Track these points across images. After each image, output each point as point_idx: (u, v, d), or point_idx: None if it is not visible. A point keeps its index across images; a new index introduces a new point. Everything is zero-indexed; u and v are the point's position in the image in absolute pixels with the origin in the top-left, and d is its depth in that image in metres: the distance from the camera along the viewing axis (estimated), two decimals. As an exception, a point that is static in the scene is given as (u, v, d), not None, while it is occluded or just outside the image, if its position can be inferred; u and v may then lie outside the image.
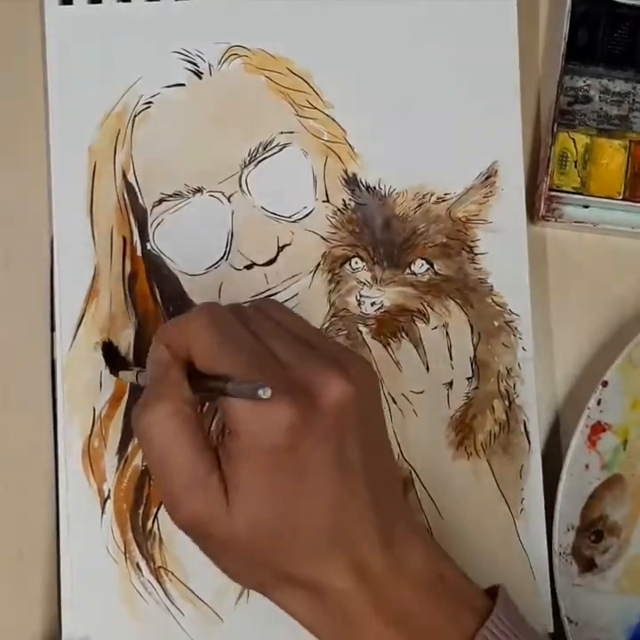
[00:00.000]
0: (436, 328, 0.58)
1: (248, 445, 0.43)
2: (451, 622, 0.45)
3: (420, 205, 0.59)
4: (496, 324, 0.59)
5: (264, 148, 0.59)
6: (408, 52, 0.59)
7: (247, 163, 0.59)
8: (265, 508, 0.43)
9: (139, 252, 0.58)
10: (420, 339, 0.58)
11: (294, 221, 0.59)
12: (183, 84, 0.59)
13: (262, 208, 0.58)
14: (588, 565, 0.57)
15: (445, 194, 0.59)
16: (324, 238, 0.59)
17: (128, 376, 0.54)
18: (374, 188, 0.59)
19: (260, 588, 0.46)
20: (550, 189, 0.59)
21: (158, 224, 0.58)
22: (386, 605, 0.44)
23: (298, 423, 0.42)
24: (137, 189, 0.58)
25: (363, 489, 0.44)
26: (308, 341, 0.46)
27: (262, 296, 0.58)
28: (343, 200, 0.59)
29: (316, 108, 0.59)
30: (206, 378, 0.45)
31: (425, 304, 0.58)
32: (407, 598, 0.45)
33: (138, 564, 0.57)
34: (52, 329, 0.58)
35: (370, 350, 0.58)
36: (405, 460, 0.57)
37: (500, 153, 0.59)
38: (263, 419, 0.43)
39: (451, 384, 0.58)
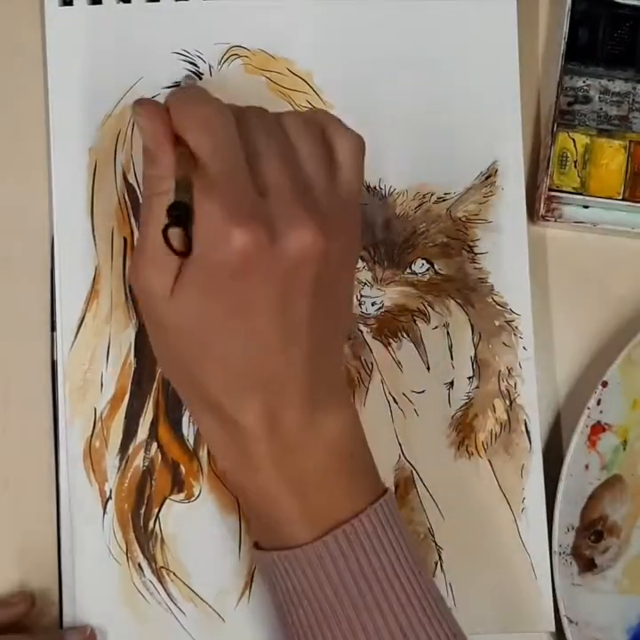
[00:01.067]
0: (436, 328, 0.59)
1: (201, 256, 0.43)
2: (345, 497, 0.46)
3: (420, 205, 0.59)
4: (497, 323, 0.59)
5: (264, 149, 0.59)
6: (408, 53, 0.59)
7: (247, 163, 0.58)
8: (200, 319, 0.44)
9: (139, 253, 0.58)
10: (421, 338, 0.58)
11: (295, 221, 0.59)
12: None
13: (263, 208, 0.58)
14: (588, 565, 0.57)
15: (446, 193, 0.59)
16: (324, 238, 0.58)
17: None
18: (374, 187, 0.59)
19: (181, 394, 0.48)
20: (550, 189, 0.59)
21: (159, 224, 0.58)
22: (286, 458, 0.45)
23: (251, 252, 0.42)
24: (138, 190, 0.58)
25: (298, 346, 0.45)
26: (307, 181, 0.45)
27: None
28: (343, 200, 0.59)
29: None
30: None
31: (425, 304, 0.59)
32: (310, 463, 0.46)
33: (139, 565, 0.57)
34: (53, 329, 0.58)
35: (371, 350, 0.58)
36: (407, 460, 0.58)
37: (500, 153, 0.59)
38: (220, 234, 0.42)
39: (451, 384, 0.58)
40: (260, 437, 0.45)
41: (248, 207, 0.43)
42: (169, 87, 0.58)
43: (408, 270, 0.59)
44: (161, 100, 0.58)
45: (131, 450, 0.57)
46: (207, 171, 0.43)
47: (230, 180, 0.43)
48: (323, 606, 0.45)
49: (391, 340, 0.58)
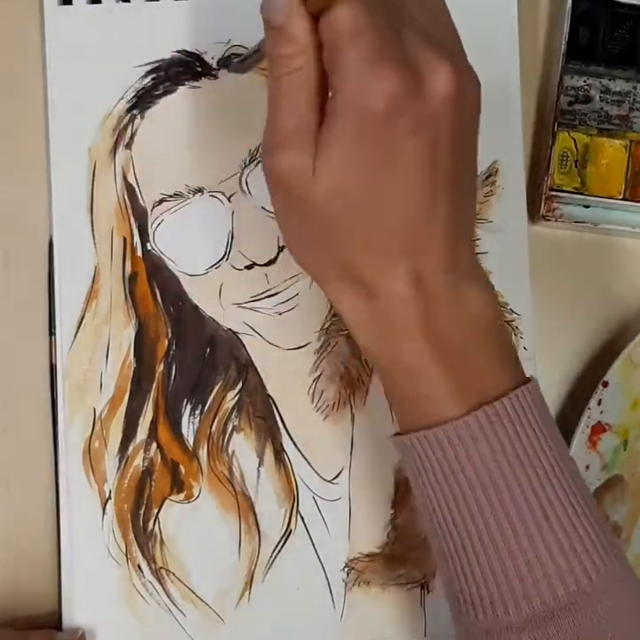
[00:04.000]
0: (436, 328, 0.58)
1: (345, 103, 0.41)
2: (494, 368, 0.45)
3: (420, 205, 0.59)
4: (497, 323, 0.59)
5: (264, 148, 0.59)
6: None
7: (247, 162, 0.58)
8: (349, 179, 0.42)
9: (139, 253, 0.58)
10: (421, 339, 0.58)
11: (295, 221, 0.59)
12: (183, 84, 0.59)
13: (263, 208, 0.58)
14: (588, 565, 0.57)
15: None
16: (324, 238, 0.58)
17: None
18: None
19: (317, 276, 0.46)
20: (551, 189, 0.59)
21: (159, 224, 0.58)
22: (434, 325, 0.44)
23: (400, 95, 0.40)
24: (137, 190, 0.58)
25: (444, 199, 0.43)
26: (435, 36, 0.43)
27: (263, 296, 0.58)
28: (343, 200, 0.59)
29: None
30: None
31: (425, 304, 0.58)
32: (457, 335, 0.44)
33: (139, 565, 0.57)
34: (52, 329, 0.58)
35: (370, 350, 0.58)
36: (406, 461, 0.57)
37: (500, 153, 0.59)
38: (367, 78, 0.40)
39: (451, 384, 0.58)
40: (409, 304, 0.43)
41: (393, 51, 0.41)
42: (169, 87, 0.58)
43: (408, 270, 0.58)
44: (161, 99, 0.59)
45: (130, 450, 0.57)
46: (345, 18, 0.41)
47: (372, 25, 0.41)
48: (463, 488, 0.44)
49: (391, 340, 0.58)
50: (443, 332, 0.44)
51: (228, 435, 0.58)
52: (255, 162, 0.58)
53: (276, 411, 0.58)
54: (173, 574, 0.57)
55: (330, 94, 0.42)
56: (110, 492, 0.57)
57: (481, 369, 0.45)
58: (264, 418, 0.58)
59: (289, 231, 0.45)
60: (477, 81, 0.44)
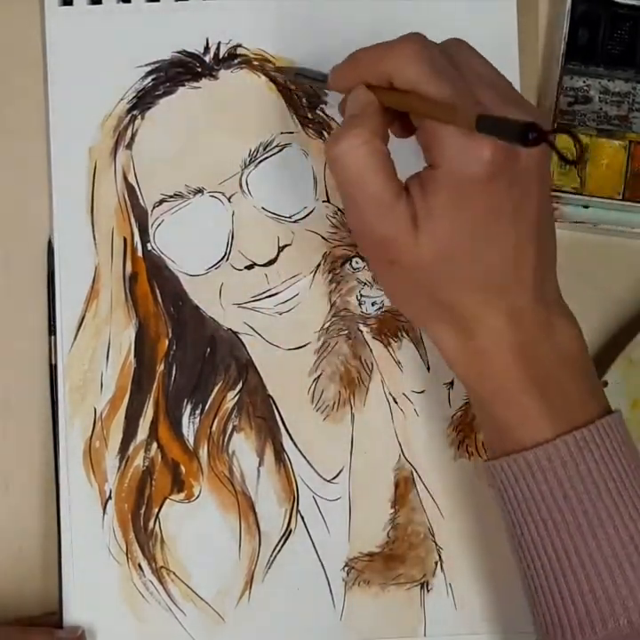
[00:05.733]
0: (436, 328, 0.58)
1: (447, 174, 0.45)
2: (583, 396, 0.48)
3: (420, 205, 0.59)
4: (496, 323, 0.59)
5: (264, 149, 0.59)
6: (408, 52, 0.59)
7: (247, 163, 0.59)
8: (452, 237, 0.45)
9: (139, 253, 0.58)
10: (421, 338, 0.58)
11: (295, 221, 0.59)
12: (183, 85, 0.59)
13: (263, 208, 0.58)
14: (588, 565, 0.57)
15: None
16: (324, 238, 0.59)
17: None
18: (374, 188, 0.59)
19: (417, 318, 0.50)
20: (550, 189, 0.59)
21: (159, 225, 0.58)
22: (529, 354, 0.47)
23: (499, 159, 0.44)
24: (137, 190, 0.58)
25: (532, 245, 0.46)
26: (502, 90, 0.47)
27: (263, 296, 0.58)
28: (343, 200, 0.59)
29: (315, 108, 0.59)
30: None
31: (425, 304, 0.59)
32: (549, 362, 0.47)
33: (139, 565, 0.57)
34: (53, 329, 0.58)
35: (371, 350, 0.58)
36: (407, 460, 0.58)
37: (500, 153, 0.59)
38: (467, 149, 0.44)
39: (451, 384, 0.58)
40: (506, 335, 0.47)
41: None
42: (169, 87, 0.58)
43: (408, 270, 0.59)
44: (161, 99, 0.59)
45: (131, 450, 0.57)
46: (430, 93, 0.45)
47: (457, 96, 0.44)
48: (552, 512, 0.46)
49: (391, 340, 0.58)
50: (538, 361, 0.47)
51: (228, 434, 0.58)
52: (255, 162, 0.59)
53: (276, 411, 0.58)
54: (174, 574, 0.57)
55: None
56: (111, 491, 0.57)
57: (571, 397, 0.47)
58: (264, 418, 0.58)
59: (390, 287, 0.50)
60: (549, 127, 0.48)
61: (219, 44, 0.59)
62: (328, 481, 0.58)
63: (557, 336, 0.47)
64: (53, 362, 0.58)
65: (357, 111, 0.47)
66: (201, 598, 0.57)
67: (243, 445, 0.58)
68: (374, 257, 0.48)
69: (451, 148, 0.44)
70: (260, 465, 0.58)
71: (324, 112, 0.59)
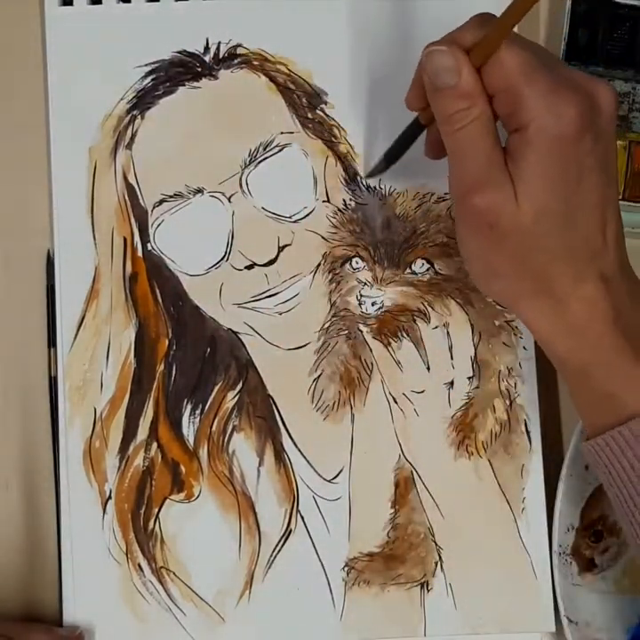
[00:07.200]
0: (436, 327, 0.59)
1: (537, 135, 0.45)
2: None
3: (420, 205, 0.59)
4: (496, 323, 0.59)
5: (264, 149, 0.59)
6: (408, 53, 0.59)
7: (247, 163, 0.59)
8: (550, 197, 0.46)
9: (139, 253, 0.58)
10: (421, 338, 0.58)
11: (295, 221, 0.59)
12: (183, 84, 0.59)
13: (263, 208, 0.58)
14: (587, 565, 0.57)
15: (446, 193, 0.59)
16: (324, 238, 0.59)
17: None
18: (375, 187, 0.59)
19: (507, 296, 0.49)
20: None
21: (159, 225, 0.58)
22: (624, 319, 0.47)
23: (585, 114, 0.45)
24: (137, 190, 0.58)
25: (613, 200, 0.47)
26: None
27: (263, 296, 0.58)
28: (343, 200, 0.59)
29: (315, 108, 0.59)
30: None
31: (425, 303, 0.59)
32: None
33: (139, 565, 0.57)
34: (53, 329, 0.58)
35: (371, 350, 0.58)
36: (407, 460, 0.58)
37: (500, 153, 0.59)
38: (554, 106, 0.45)
39: (451, 383, 0.58)
40: (600, 303, 0.47)
41: (561, 79, 0.46)
42: (169, 87, 0.58)
43: (408, 270, 0.59)
44: (161, 99, 0.59)
45: (131, 450, 0.57)
46: (513, 59, 0.45)
47: (536, 59, 0.45)
48: None
49: (391, 340, 0.58)
50: (632, 325, 0.47)
51: (228, 434, 0.58)
52: (255, 162, 0.59)
53: (276, 411, 0.58)
54: (174, 573, 0.57)
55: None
56: (111, 491, 0.57)
57: None
58: (264, 418, 0.58)
59: (481, 266, 0.49)
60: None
61: (219, 44, 0.59)
62: (328, 481, 0.58)
63: None
64: (53, 362, 0.58)
65: (453, 79, 0.47)
66: (201, 598, 0.57)
67: (243, 445, 0.58)
68: (473, 223, 0.47)
69: (537, 107, 0.45)
70: (260, 465, 0.58)
71: (324, 112, 0.59)
